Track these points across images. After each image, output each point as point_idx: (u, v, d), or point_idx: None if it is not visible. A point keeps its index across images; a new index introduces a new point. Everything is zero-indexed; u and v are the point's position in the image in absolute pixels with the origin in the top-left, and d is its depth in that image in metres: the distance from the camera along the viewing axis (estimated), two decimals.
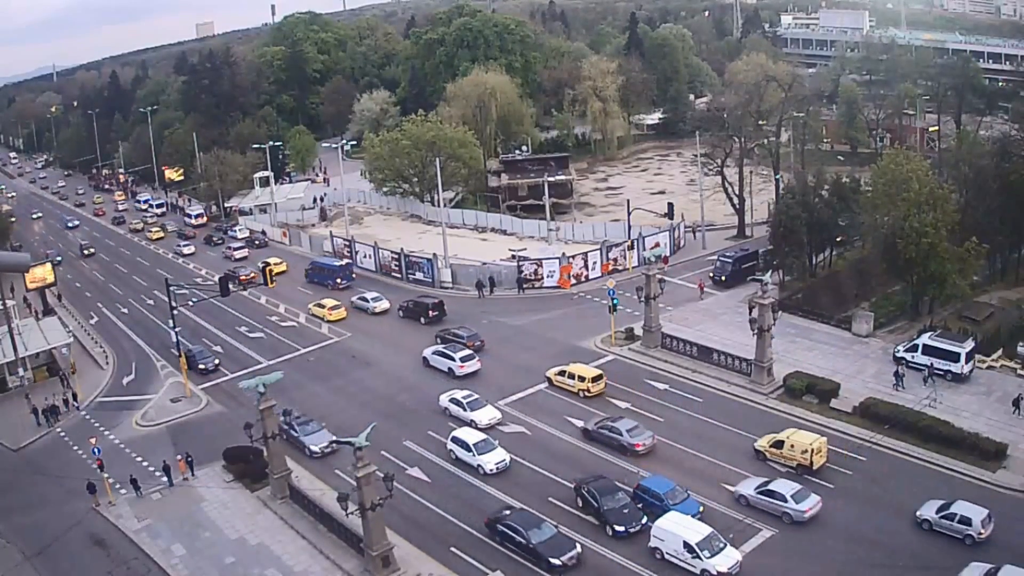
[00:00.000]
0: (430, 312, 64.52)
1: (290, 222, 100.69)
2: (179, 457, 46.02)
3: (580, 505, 39.06)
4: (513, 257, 77.04)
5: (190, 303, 66.97)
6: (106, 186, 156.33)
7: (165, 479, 44.54)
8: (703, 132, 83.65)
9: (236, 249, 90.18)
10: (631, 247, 73.36)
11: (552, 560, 35.16)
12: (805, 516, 37.02)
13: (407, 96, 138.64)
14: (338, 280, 75.30)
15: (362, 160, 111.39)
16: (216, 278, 67.35)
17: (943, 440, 41.26)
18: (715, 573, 33.52)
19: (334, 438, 44.94)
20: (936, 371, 48.27)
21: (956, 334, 51.40)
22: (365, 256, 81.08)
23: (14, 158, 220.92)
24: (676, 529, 34.92)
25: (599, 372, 51.45)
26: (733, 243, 77.98)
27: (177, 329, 57.48)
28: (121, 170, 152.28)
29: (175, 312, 57.15)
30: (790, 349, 53.31)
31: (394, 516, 38.01)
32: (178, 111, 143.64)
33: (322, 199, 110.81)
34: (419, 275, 74.96)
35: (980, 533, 35.13)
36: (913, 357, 49.32)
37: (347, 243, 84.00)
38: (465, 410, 47.65)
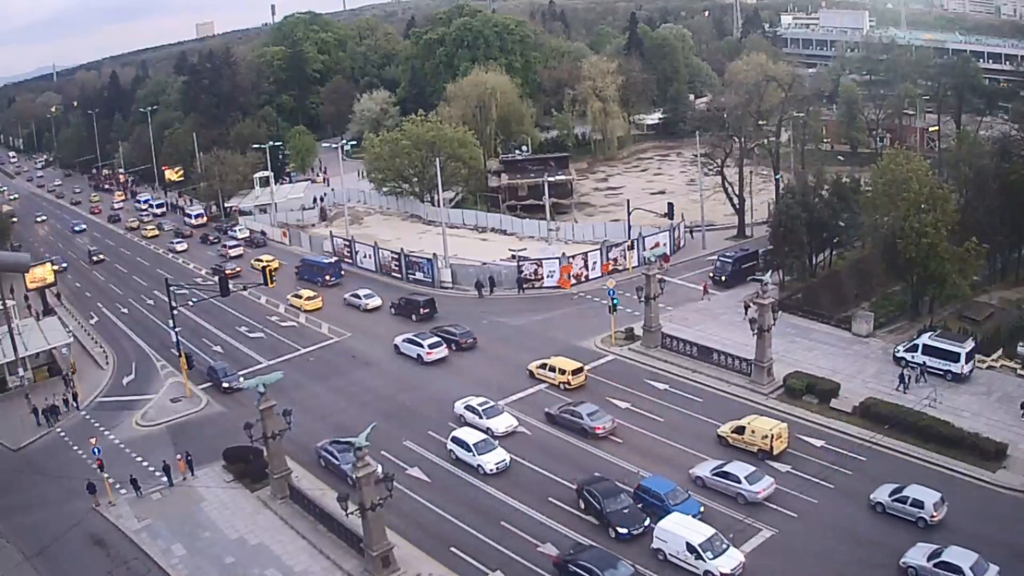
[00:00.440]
0: (421, 310, 65.21)
1: (290, 222, 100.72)
2: (179, 457, 46.02)
3: (582, 507, 38.95)
4: (513, 257, 77.04)
5: (190, 303, 66.97)
6: (106, 186, 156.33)
7: (165, 479, 44.55)
8: (703, 132, 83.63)
9: (232, 247, 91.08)
10: (631, 247, 73.37)
11: None
12: (759, 497, 38.41)
13: (407, 96, 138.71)
14: (327, 277, 76.44)
15: (362, 160, 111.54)
16: (216, 278, 67.43)
17: (943, 440, 41.24)
18: (718, 574, 33.49)
19: (379, 467, 40.70)
20: (931, 370, 48.24)
21: (956, 334, 51.39)
22: (365, 256, 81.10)
23: (13, 157, 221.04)
24: (679, 530, 34.86)
25: (579, 365, 52.13)
26: (733, 243, 77.98)
27: (177, 329, 57.47)
28: (121, 170, 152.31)
29: (175, 312, 57.15)
30: (790, 349, 53.31)
31: (394, 516, 38.01)
32: (178, 111, 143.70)
33: (322, 199, 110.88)
34: (419, 275, 74.97)
35: (932, 516, 36.08)
36: (913, 357, 49.30)
37: (347, 243, 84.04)
38: (481, 417, 46.71)
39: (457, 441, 44.45)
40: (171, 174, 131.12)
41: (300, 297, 70.82)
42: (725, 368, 51.39)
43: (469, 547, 37.47)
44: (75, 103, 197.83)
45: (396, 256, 77.64)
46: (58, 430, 52.70)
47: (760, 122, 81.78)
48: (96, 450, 44.22)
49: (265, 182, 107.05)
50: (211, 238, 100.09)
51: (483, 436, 44.62)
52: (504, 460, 43.13)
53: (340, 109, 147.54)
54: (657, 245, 72.83)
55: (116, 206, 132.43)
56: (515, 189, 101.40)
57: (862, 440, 42.90)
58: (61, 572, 38.79)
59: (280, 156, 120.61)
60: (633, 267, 71.53)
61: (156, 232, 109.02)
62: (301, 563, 37.47)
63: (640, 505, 38.09)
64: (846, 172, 71.21)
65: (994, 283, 62.06)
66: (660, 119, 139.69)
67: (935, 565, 32.99)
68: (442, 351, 57.16)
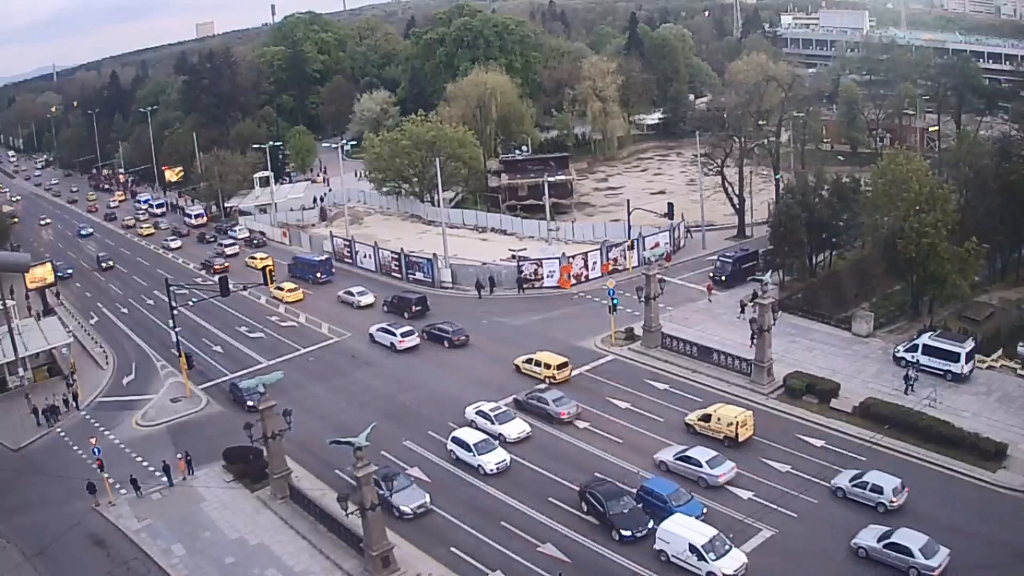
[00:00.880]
0: (413, 307, 65.73)
1: (290, 222, 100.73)
2: (179, 456, 46.01)
3: (585, 509, 38.81)
4: (513, 257, 77.05)
5: (190, 303, 66.99)
6: (106, 186, 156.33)
7: (165, 479, 44.55)
8: (703, 132, 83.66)
9: (227, 246, 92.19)
10: (631, 247, 73.36)
11: None
12: (719, 481, 39.82)
13: (407, 96, 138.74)
14: (318, 274, 77.50)
15: (362, 160, 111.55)
16: (216, 278, 67.46)
17: (943, 440, 41.23)
18: (720, 575, 33.44)
19: (427, 496, 40.37)
20: (925, 369, 48.19)
21: (956, 334, 51.37)
22: (365, 256, 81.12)
23: (12, 157, 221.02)
24: (681, 531, 34.77)
25: (564, 360, 52.77)
26: (733, 243, 78.00)
27: (177, 329, 57.46)
28: (121, 170, 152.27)
29: (175, 312, 57.15)
30: (790, 349, 53.30)
31: (394, 516, 38.02)
32: (178, 111, 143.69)
33: (322, 199, 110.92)
34: (419, 275, 74.98)
35: (892, 501, 36.90)
36: (913, 357, 49.29)
37: (347, 243, 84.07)
38: (493, 423, 46.18)
39: (457, 441, 44.43)
40: (171, 174, 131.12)
41: (282, 289, 72.88)
42: (725, 368, 51.38)
43: (469, 547, 37.46)
44: (75, 103, 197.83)
45: (396, 256, 77.66)
46: (58, 430, 52.67)
47: (760, 122, 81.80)
48: (96, 450, 44.18)
49: (265, 182, 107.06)
50: (207, 237, 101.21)
51: (484, 436, 44.57)
52: (504, 460, 43.11)
53: (340, 109, 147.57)
54: (657, 245, 72.83)
55: (112, 204, 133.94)
56: (515, 189, 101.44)
57: (862, 440, 42.89)
58: (61, 572, 38.78)
59: (280, 156, 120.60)
60: (633, 267, 71.53)
61: (152, 230, 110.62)
62: (301, 563, 37.46)
63: (642, 506, 38.00)
64: (846, 172, 71.13)
65: (994, 283, 62.07)
66: (660, 119, 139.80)
67: (885, 546, 33.99)
68: (414, 339, 59.38)
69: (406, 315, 65.29)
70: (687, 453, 41.42)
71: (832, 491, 38.72)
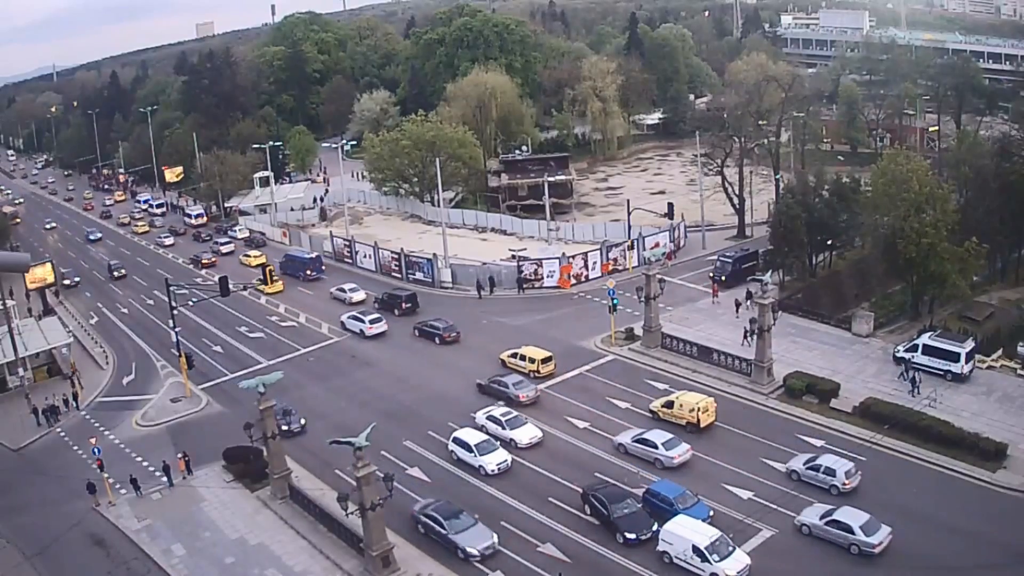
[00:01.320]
0: (403, 304, 66.59)
1: (290, 222, 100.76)
2: (178, 456, 46.01)
3: (588, 512, 38.64)
4: (513, 257, 77.06)
5: (190, 303, 67.00)
6: (106, 186, 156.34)
7: (165, 479, 44.54)
8: (703, 132, 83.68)
9: (223, 244, 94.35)
10: (631, 247, 73.37)
11: None
12: (675, 463, 41.50)
13: (407, 96, 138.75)
14: (308, 271, 79.07)
15: (362, 160, 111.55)
16: (216, 278, 67.54)
17: (943, 440, 41.22)
18: None
19: (495, 537, 37.17)
20: (923, 369, 48.19)
21: (956, 334, 51.39)
22: (365, 256, 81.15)
23: (11, 156, 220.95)
24: (685, 533, 34.67)
25: (548, 354, 53.76)
26: (733, 243, 78.01)
27: (177, 329, 57.46)
28: (121, 170, 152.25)
29: (175, 312, 57.16)
30: (790, 349, 53.30)
31: (394, 516, 37.97)
32: (178, 111, 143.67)
33: (322, 199, 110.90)
34: (419, 275, 74.99)
35: (844, 483, 38.31)
36: (913, 357, 49.31)
37: (347, 243, 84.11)
38: (504, 428, 45.65)
39: (458, 442, 44.35)
40: (171, 174, 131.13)
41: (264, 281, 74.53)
42: (725, 368, 51.38)
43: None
44: (75, 103, 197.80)
45: (396, 256, 77.68)
46: (58, 430, 52.69)
47: (760, 122, 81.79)
48: (96, 450, 44.18)
49: (265, 182, 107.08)
50: (203, 236, 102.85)
51: (485, 437, 44.52)
52: (506, 461, 43.05)
53: (340, 109, 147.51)
54: (657, 245, 72.84)
55: (107, 202, 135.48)
56: (515, 189, 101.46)
57: (862, 440, 42.89)
58: (61, 572, 38.77)
59: (280, 156, 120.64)
60: (633, 267, 71.54)
61: (147, 228, 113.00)
62: (301, 563, 37.45)
63: (649, 509, 37.73)
64: (846, 172, 71.21)
65: (994, 283, 62.08)
66: (660, 119, 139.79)
67: (826, 523, 35.47)
68: (382, 326, 62.82)
69: (396, 312, 66.23)
70: (644, 436, 43.11)
71: (787, 474, 40.16)
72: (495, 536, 37.11)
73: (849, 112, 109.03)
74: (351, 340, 63.03)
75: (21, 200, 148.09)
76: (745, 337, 54.47)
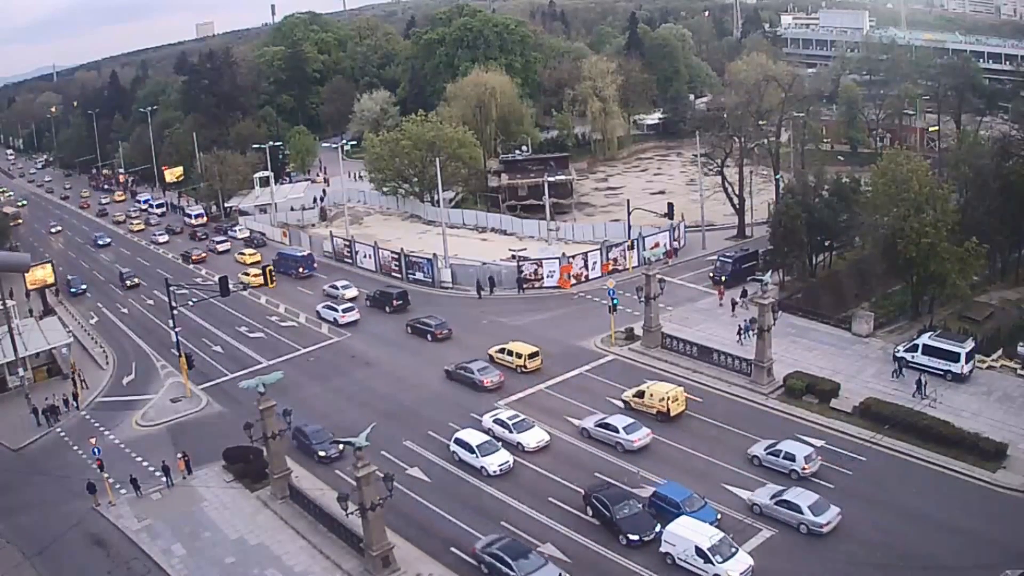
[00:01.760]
0: (394, 301, 67.74)
1: (290, 222, 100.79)
2: (178, 456, 46.00)
3: (591, 514, 38.51)
4: (513, 257, 77.06)
5: (190, 303, 67.01)
6: (106, 186, 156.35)
7: (165, 479, 44.52)
8: (703, 132, 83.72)
9: (219, 243, 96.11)
10: (631, 247, 73.37)
11: None
12: (635, 446, 43.17)
13: (407, 96, 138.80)
14: (300, 269, 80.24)
15: (362, 160, 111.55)
16: (216, 278, 67.62)
17: (943, 440, 41.20)
18: None
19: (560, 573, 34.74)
20: (922, 368, 48.18)
21: (956, 334, 51.39)
22: (365, 256, 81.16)
23: (10, 155, 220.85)
24: (687, 534, 34.60)
25: (535, 349, 54.64)
26: (733, 243, 78.01)
27: (178, 329, 57.46)
28: (121, 170, 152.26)
29: (175, 312, 57.16)
30: (790, 349, 53.30)
31: (394, 516, 37.97)
32: (178, 111, 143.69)
33: (321, 199, 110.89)
34: (419, 275, 75.00)
35: (804, 468, 39.62)
36: (913, 357, 49.31)
37: (347, 243, 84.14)
38: (511, 432, 45.12)
39: (460, 443, 44.25)
40: (171, 174, 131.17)
41: (248, 275, 78.13)
42: (725, 368, 51.37)
43: (469, 547, 37.38)
44: (75, 103, 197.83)
45: (396, 256, 77.69)
46: (58, 430, 52.70)
47: (760, 122, 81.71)
48: (96, 450, 44.22)
49: (265, 182, 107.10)
50: (198, 235, 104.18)
51: (486, 438, 44.45)
52: (508, 462, 42.96)
53: (340, 109, 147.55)
54: (657, 245, 72.87)
55: (103, 201, 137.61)
56: (515, 189, 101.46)
57: (862, 440, 42.90)
58: (61, 572, 38.76)
59: (280, 156, 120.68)
60: (633, 267, 71.53)
61: (142, 226, 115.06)
62: (301, 563, 37.45)
63: (656, 512, 37.48)
64: (846, 172, 71.21)
65: (994, 283, 62.03)
66: (660, 119, 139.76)
67: (777, 503, 36.97)
68: (354, 315, 65.79)
69: (387, 309, 67.35)
70: (606, 420, 44.87)
71: (749, 459, 41.49)
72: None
73: (849, 112, 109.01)
74: (350, 340, 63.07)
75: (24, 202, 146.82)
76: (739, 334, 54.66)
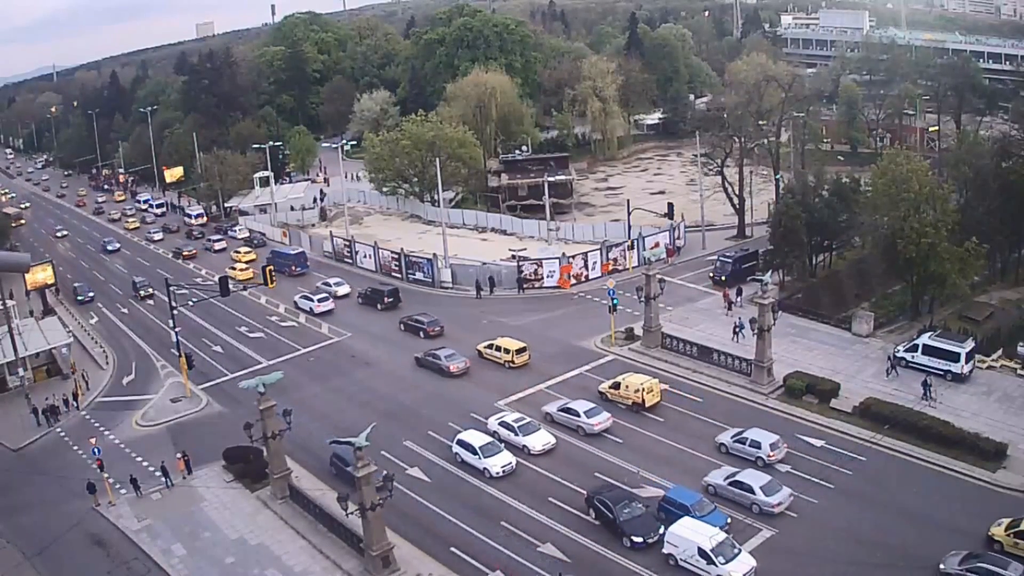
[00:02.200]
0: (385, 299, 69.00)
1: (290, 222, 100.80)
2: (178, 456, 46.00)
3: (593, 515, 38.39)
4: (513, 257, 77.05)
5: (190, 303, 67.01)
6: (106, 186, 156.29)
7: (164, 479, 44.50)
8: (703, 132, 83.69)
9: (216, 241, 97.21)
10: (631, 247, 73.37)
11: None
12: (595, 429, 45.00)
13: (407, 96, 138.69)
14: (293, 267, 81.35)
15: (362, 160, 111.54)
16: (216, 278, 67.76)
17: (943, 440, 41.24)
18: None
19: None
20: (921, 368, 48.20)
21: (956, 334, 51.40)
22: (365, 256, 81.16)
23: (9, 154, 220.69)
24: (690, 535, 34.55)
25: (523, 345, 55.40)
26: (733, 243, 78.01)
27: (177, 329, 57.46)
28: (121, 170, 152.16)
29: (175, 312, 57.15)
30: (790, 349, 53.30)
31: (394, 516, 37.97)
32: (178, 111, 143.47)
33: (321, 199, 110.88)
34: (419, 275, 75.00)
35: (769, 455, 40.84)
36: (913, 357, 49.30)
37: (347, 243, 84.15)
38: (517, 434, 44.91)
39: (462, 444, 44.14)
40: (171, 174, 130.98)
41: (235, 269, 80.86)
42: (725, 368, 51.38)
43: (469, 547, 37.44)
44: (75, 103, 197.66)
45: (396, 256, 77.69)
46: (58, 430, 52.70)
47: (760, 122, 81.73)
48: (96, 450, 44.23)
49: (265, 182, 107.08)
50: (195, 234, 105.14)
51: (488, 439, 44.34)
52: (510, 463, 42.85)
53: (340, 109, 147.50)
54: (657, 245, 72.87)
55: (100, 199, 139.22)
56: (515, 189, 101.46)
57: (862, 440, 42.91)
58: (61, 572, 38.77)
59: (280, 156, 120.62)
60: (633, 267, 71.53)
61: (137, 224, 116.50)
62: (301, 563, 37.46)
63: (665, 516, 37.21)
64: (846, 172, 71.19)
65: (994, 283, 62.04)
66: (660, 119, 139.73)
67: (730, 484, 38.57)
68: (328, 304, 68.70)
69: (379, 306, 68.32)
70: (568, 405, 46.72)
71: (716, 447, 42.80)
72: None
73: (849, 112, 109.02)
74: (349, 340, 63.07)
75: (27, 204, 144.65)
76: (735, 333, 54.68)
